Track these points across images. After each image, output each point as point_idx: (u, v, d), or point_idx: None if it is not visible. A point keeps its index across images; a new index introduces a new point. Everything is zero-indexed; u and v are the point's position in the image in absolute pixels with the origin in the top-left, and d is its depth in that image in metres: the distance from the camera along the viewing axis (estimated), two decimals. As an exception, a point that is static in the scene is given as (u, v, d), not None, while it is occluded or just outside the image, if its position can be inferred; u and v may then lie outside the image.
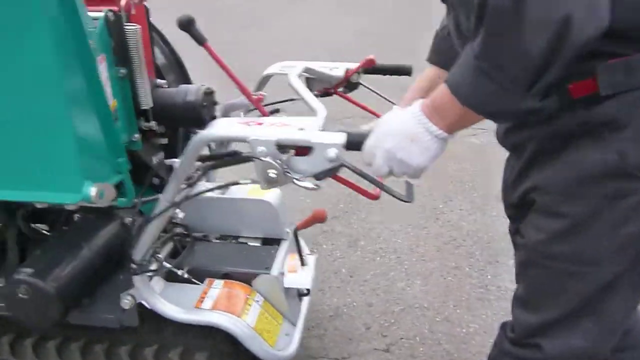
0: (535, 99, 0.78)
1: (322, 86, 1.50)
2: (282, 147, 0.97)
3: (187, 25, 1.07)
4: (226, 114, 1.36)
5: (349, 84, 1.50)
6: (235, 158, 1.05)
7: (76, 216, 1.40)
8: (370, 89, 1.49)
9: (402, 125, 0.89)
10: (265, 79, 1.52)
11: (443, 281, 2.29)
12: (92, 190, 0.87)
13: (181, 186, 1.12)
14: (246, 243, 1.57)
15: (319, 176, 0.98)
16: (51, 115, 0.82)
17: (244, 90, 1.19)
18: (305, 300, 1.58)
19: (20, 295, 1.16)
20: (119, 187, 0.98)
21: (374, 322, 2.05)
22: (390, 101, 1.52)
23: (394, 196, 0.98)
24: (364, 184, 1.02)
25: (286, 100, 1.51)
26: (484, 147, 3.40)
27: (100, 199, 0.88)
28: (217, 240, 1.59)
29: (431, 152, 0.88)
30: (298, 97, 1.43)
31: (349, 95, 1.52)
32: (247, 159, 1.00)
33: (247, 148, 1.01)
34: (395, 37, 5.88)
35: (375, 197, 1.04)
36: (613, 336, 1.07)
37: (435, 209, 2.83)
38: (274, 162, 0.95)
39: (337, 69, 1.48)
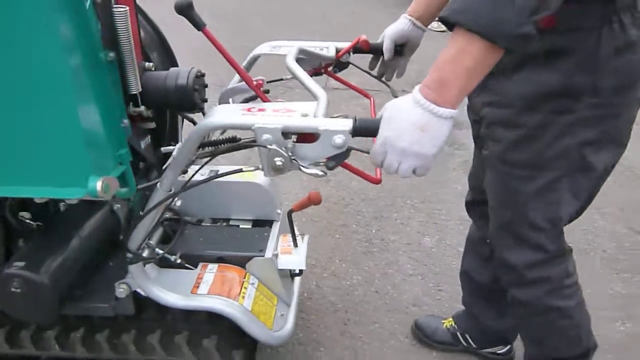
0: (533, 26, 0.82)
1: (311, 66, 1.47)
2: (287, 135, 0.96)
3: (186, 9, 1.02)
4: (225, 99, 1.32)
5: (338, 63, 1.48)
6: (237, 144, 1.03)
7: (62, 205, 1.36)
8: (361, 69, 1.48)
9: (409, 117, 0.88)
10: (253, 59, 1.48)
11: (331, 239, 2.40)
12: (98, 185, 0.83)
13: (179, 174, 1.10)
14: (238, 226, 1.56)
15: (330, 165, 0.97)
16: (58, 107, 0.78)
17: (243, 76, 1.16)
18: (297, 280, 1.60)
19: (13, 289, 1.13)
20: (120, 178, 0.94)
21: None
22: (379, 79, 1.52)
23: None
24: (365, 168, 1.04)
25: (275, 80, 1.48)
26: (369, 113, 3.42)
27: (105, 193, 0.85)
28: (208, 224, 1.57)
29: (442, 137, 0.88)
30: (287, 77, 1.41)
31: (339, 75, 1.51)
32: (250, 146, 0.99)
33: (247, 134, 0.99)
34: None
35: (378, 181, 1.05)
36: (560, 235, 1.28)
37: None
38: (280, 150, 0.94)
39: (327, 49, 1.46)
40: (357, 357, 1.79)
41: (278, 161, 0.95)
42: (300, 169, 0.97)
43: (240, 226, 1.56)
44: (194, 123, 1.47)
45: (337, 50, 1.46)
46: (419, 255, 2.28)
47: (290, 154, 0.95)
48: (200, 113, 1.39)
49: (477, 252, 1.63)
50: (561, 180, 1.17)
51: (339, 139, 0.94)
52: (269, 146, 0.94)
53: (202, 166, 1.09)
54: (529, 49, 0.85)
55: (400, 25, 1.40)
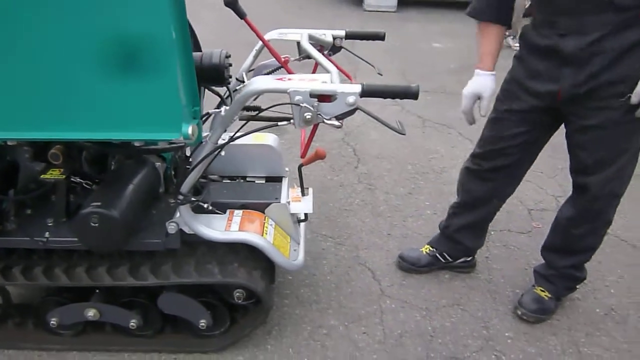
0: None
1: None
2: (313, 96, 1.30)
3: (233, 2, 1.34)
4: (258, 72, 1.65)
5: (333, 47, 1.83)
6: (275, 105, 1.35)
7: (113, 163, 1.65)
8: (351, 52, 1.83)
9: None
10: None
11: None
12: (190, 129, 1.15)
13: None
14: (253, 181, 1.89)
15: (340, 117, 1.32)
16: (163, 65, 1.08)
17: (275, 55, 1.49)
18: (302, 224, 1.94)
19: (92, 224, 1.42)
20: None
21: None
22: (366, 62, 1.87)
23: (391, 128, 1.36)
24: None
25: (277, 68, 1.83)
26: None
27: (193, 137, 1.17)
28: (227, 181, 1.89)
29: None
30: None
31: (332, 57, 1.85)
32: (286, 104, 1.32)
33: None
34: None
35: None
36: None
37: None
38: (310, 107, 1.28)
39: (324, 35, 1.80)
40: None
41: (307, 115, 1.29)
42: (323, 122, 1.31)
43: (256, 181, 1.89)
44: (218, 94, 1.79)
45: (334, 37, 1.81)
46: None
47: (317, 110, 1.30)
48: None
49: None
50: None
51: (351, 99, 1.29)
52: (301, 104, 1.28)
53: (244, 124, 1.41)
54: None
55: (487, 81, 1.73)
